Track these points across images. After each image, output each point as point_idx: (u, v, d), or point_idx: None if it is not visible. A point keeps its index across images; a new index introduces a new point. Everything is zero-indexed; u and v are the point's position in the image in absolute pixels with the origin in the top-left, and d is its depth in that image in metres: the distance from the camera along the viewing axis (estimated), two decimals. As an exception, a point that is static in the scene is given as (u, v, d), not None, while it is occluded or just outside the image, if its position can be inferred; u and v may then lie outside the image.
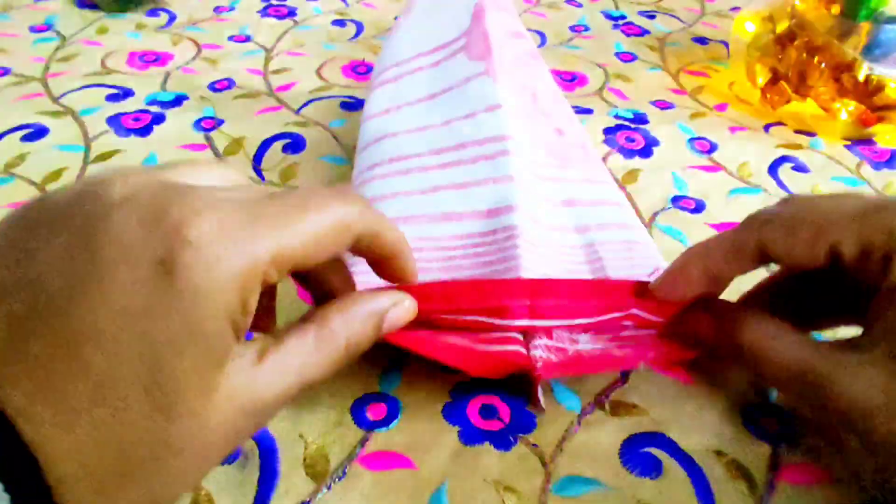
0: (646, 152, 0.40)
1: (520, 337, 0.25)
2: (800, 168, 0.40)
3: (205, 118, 0.42)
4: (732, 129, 0.43)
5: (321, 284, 0.22)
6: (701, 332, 0.24)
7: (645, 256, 0.30)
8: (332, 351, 0.19)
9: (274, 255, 0.17)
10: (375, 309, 0.21)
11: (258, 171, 0.38)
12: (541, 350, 0.24)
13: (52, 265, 0.15)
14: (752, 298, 0.26)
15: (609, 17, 0.59)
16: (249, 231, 0.17)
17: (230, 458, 0.23)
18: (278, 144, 0.40)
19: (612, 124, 0.43)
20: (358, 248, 0.20)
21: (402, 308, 0.22)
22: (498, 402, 0.25)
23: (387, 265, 0.21)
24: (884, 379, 0.19)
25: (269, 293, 0.22)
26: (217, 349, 0.16)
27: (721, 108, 0.46)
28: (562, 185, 0.33)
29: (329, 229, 0.18)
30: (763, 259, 0.22)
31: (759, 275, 0.26)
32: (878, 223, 0.20)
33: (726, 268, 0.23)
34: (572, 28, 0.57)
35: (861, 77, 0.40)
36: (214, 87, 0.46)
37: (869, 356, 0.19)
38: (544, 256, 0.28)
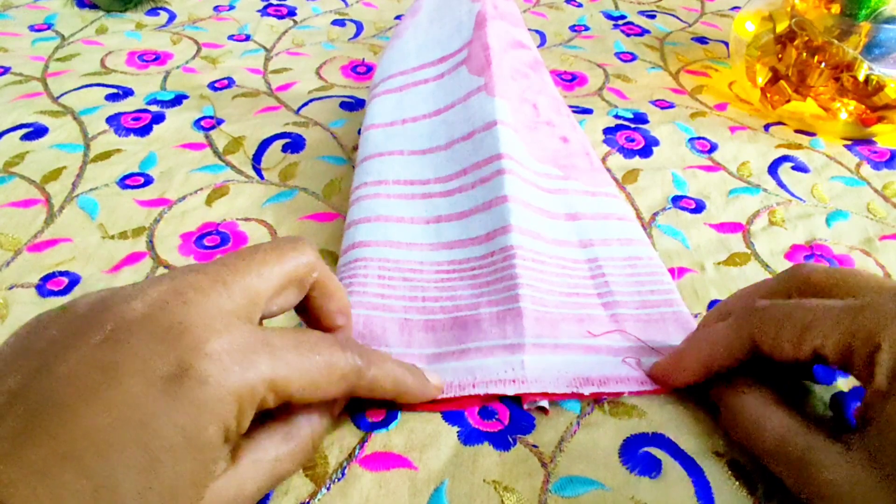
0: (646, 152, 0.40)
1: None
2: (800, 168, 0.40)
3: (204, 117, 0.42)
4: (732, 129, 0.43)
5: None
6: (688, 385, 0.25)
7: (648, 272, 0.30)
8: (300, 445, 0.21)
9: (273, 383, 0.18)
10: (330, 403, 0.22)
11: (258, 171, 0.38)
12: None
13: (65, 378, 0.16)
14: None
15: (609, 16, 0.59)
16: (257, 356, 0.18)
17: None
18: (278, 144, 0.40)
19: (612, 124, 0.43)
20: (348, 395, 0.22)
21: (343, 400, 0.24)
22: (497, 404, 0.25)
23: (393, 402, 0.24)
24: (864, 474, 0.19)
25: None
26: (210, 459, 0.17)
27: (721, 107, 0.46)
28: (565, 198, 0.33)
29: (327, 378, 0.20)
30: (756, 352, 0.23)
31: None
32: (857, 327, 0.20)
33: (722, 361, 0.24)
34: (572, 28, 0.57)
35: (861, 77, 0.40)
36: (214, 86, 0.46)
37: (855, 453, 0.20)
38: (544, 272, 0.29)
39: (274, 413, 0.20)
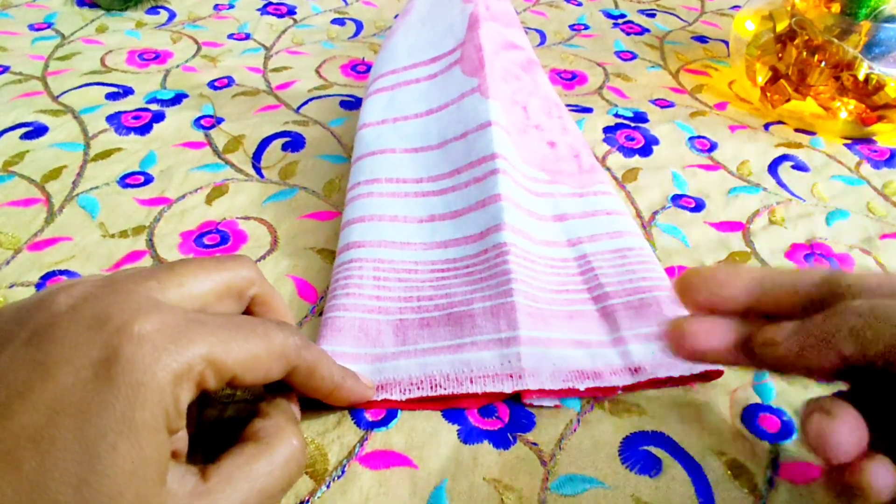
0: (646, 151, 0.40)
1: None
2: (800, 167, 0.40)
3: (204, 116, 0.42)
4: (732, 128, 0.43)
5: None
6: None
7: (639, 261, 0.30)
8: (277, 458, 0.20)
9: (211, 359, 0.18)
10: (296, 412, 0.22)
11: (258, 170, 0.38)
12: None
13: None
14: None
15: (609, 15, 0.59)
16: (190, 333, 0.18)
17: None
18: (278, 143, 0.40)
19: (612, 123, 0.43)
20: (293, 381, 0.21)
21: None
22: (497, 401, 0.25)
23: (328, 398, 0.23)
24: None
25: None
26: (149, 445, 0.16)
27: (721, 106, 0.46)
28: (553, 201, 0.33)
29: (266, 352, 0.19)
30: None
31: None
32: None
33: (778, 291, 0.20)
34: (572, 27, 0.57)
35: (861, 76, 0.40)
36: (214, 85, 0.46)
37: None
38: (535, 271, 0.29)
39: (245, 435, 0.20)
